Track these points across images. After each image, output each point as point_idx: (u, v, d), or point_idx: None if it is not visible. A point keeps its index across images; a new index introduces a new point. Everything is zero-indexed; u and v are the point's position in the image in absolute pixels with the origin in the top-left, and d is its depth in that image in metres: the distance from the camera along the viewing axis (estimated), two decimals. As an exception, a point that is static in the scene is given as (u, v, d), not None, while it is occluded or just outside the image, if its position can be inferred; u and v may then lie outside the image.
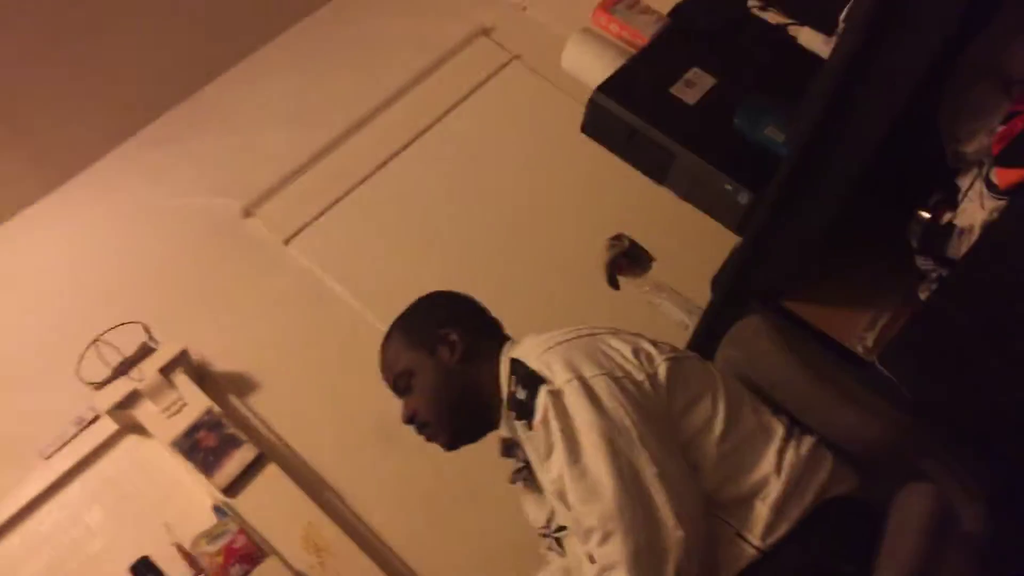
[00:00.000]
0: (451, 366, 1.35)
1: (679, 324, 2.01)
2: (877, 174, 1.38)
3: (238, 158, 2.68)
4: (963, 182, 1.39)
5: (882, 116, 1.23)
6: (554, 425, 1.12)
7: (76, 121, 2.57)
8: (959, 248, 1.37)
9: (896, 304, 1.53)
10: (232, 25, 2.84)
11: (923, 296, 1.49)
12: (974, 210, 1.31)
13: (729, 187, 1.62)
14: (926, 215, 1.46)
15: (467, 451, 1.45)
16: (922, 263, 1.49)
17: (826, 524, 1.12)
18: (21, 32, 2.30)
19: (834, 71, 1.21)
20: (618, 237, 2.04)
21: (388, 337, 1.43)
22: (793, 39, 1.86)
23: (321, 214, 2.55)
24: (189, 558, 1.81)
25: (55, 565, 1.95)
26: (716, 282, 1.81)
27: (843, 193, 1.38)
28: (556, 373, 1.16)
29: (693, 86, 1.74)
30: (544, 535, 1.39)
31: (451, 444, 1.39)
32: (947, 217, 1.43)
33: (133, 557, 1.79)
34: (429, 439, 1.39)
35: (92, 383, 2.07)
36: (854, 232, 1.55)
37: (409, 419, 1.38)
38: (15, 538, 1.98)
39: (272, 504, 1.94)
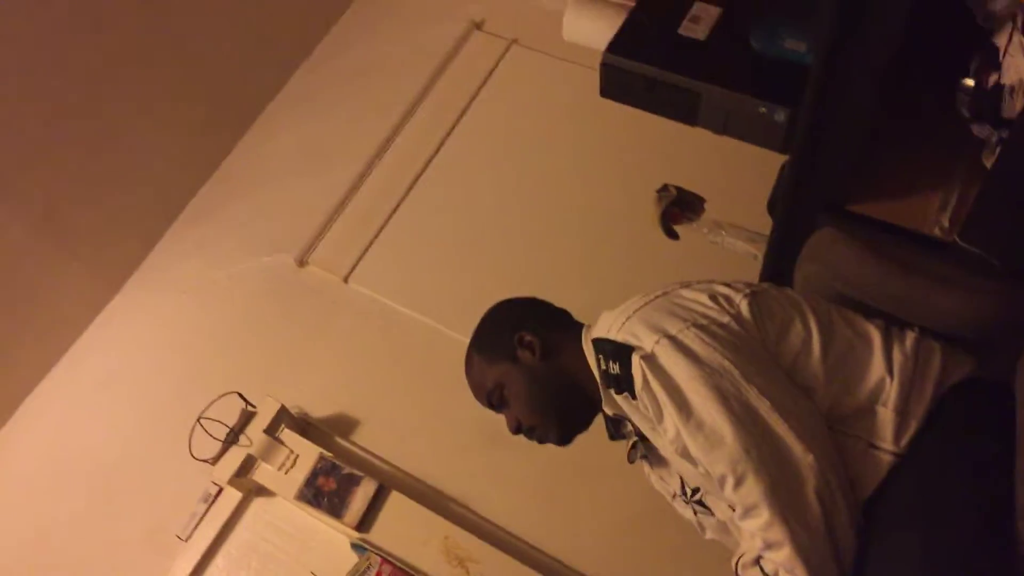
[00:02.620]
0: (536, 366, 1.34)
1: (747, 256, 1.99)
2: (910, 57, 1.36)
3: (277, 214, 2.75)
4: (1000, 40, 1.35)
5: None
6: (656, 387, 1.11)
7: (121, 223, 2.67)
8: (1013, 106, 1.34)
9: (963, 179, 1.50)
10: (236, 92, 2.92)
11: (988, 163, 1.45)
12: (1019, 64, 1.28)
13: (764, 109, 1.60)
14: (970, 82, 1.43)
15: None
16: (979, 131, 1.46)
17: (956, 410, 1.10)
18: (55, 155, 2.41)
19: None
20: (664, 188, 2.02)
21: (468, 361, 1.42)
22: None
23: (370, 244, 2.60)
24: (342, 598, 1.88)
25: (222, 635, 2.04)
26: (772, 204, 1.79)
27: (877, 81, 1.35)
28: (642, 338, 1.15)
29: (700, 21, 1.71)
30: (685, 503, 1.38)
31: (563, 439, 1.38)
32: (993, 79, 1.39)
33: (291, 610, 1.87)
34: (542, 441, 1.38)
35: (207, 459, 2.16)
36: (903, 119, 1.52)
37: (516, 429, 1.38)
38: (178, 619, 2.08)
39: (405, 528, 2.00)
